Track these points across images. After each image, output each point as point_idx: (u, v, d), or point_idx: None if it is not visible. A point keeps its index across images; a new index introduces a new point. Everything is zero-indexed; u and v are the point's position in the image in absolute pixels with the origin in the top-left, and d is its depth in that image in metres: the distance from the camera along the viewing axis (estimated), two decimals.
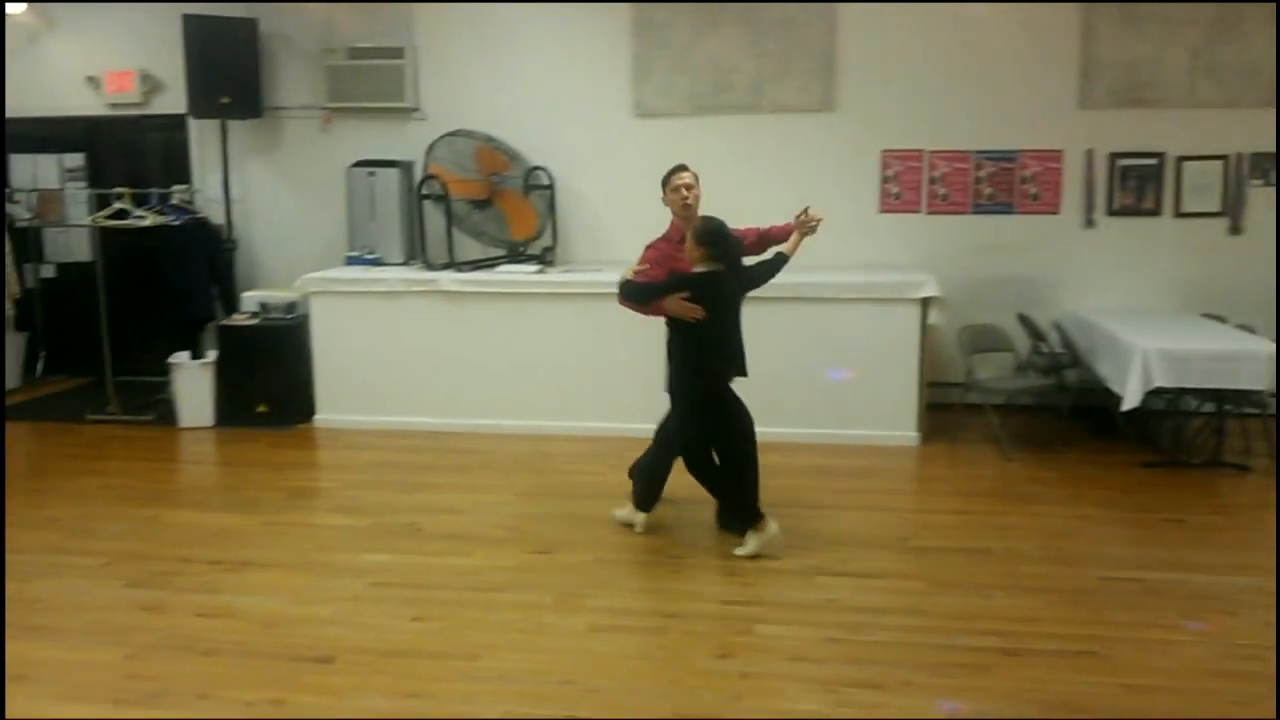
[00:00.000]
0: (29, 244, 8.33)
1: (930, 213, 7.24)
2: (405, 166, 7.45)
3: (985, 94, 7.09)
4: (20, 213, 8.21)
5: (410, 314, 6.84)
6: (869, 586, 4.35)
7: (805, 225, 4.83)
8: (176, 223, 7.38)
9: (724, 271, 4.54)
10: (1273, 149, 6.88)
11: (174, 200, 7.60)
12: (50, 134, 8.41)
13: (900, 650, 3.76)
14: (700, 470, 4.73)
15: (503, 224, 7.23)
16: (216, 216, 7.81)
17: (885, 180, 7.26)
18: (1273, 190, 6.93)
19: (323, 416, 7.02)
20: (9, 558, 4.73)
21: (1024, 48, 7.03)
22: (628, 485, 5.11)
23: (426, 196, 7.01)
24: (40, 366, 8.57)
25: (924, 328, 6.37)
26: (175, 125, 8.08)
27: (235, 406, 7.06)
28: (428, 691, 3.49)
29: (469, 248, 7.18)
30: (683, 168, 4.88)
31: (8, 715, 2.41)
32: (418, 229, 7.23)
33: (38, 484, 5.98)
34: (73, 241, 8.38)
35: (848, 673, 3.59)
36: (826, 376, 6.42)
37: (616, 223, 7.41)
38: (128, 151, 8.43)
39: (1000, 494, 5.59)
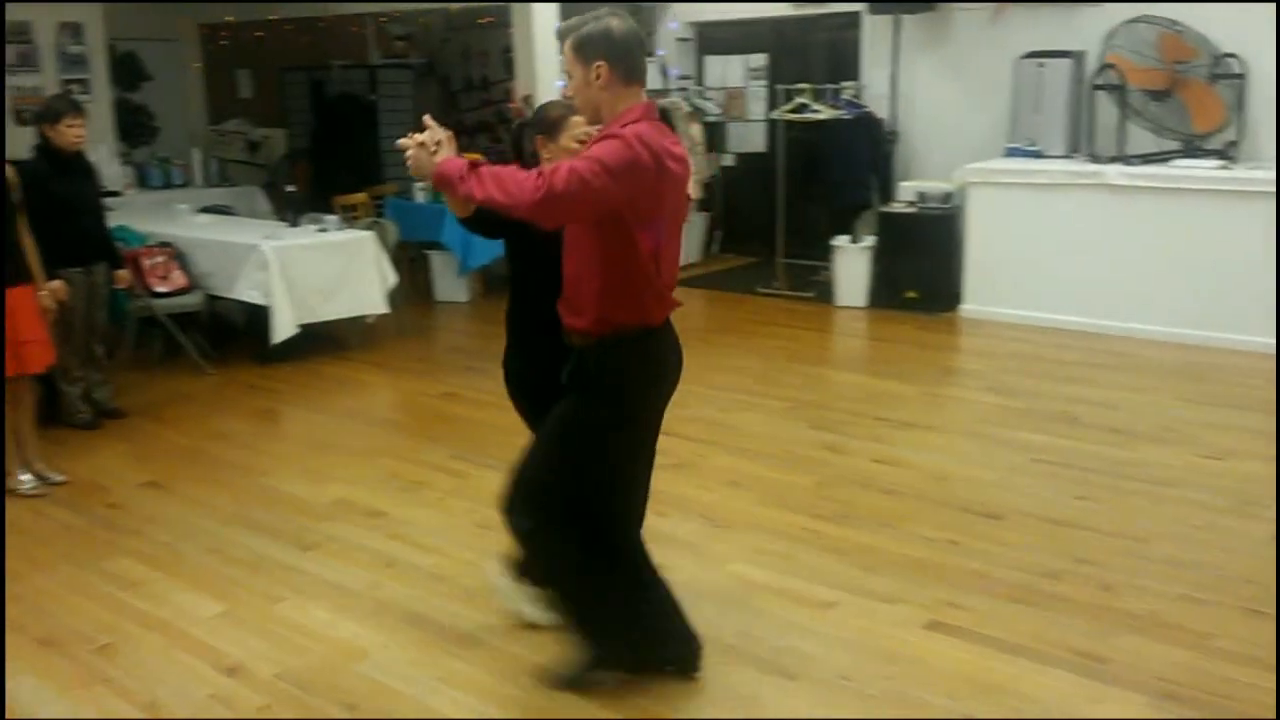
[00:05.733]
0: (715, 136, 9.50)
1: None
2: (1077, 57, 7.22)
3: None
4: (710, 109, 9.41)
5: (1069, 208, 6.73)
6: None
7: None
8: (848, 116, 7.96)
9: None
10: None
11: (844, 95, 8.19)
12: (738, 37, 9.45)
13: None
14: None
15: (1183, 116, 6.75)
16: (880, 110, 8.26)
17: None
18: None
19: (968, 306, 7.23)
20: (707, 393, 5.64)
21: None
22: None
23: (1100, 87, 6.77)
24: (715, 245, 9.82)
25: None
26: (849, 23, 8.63)
27: (887, 290, 7.53)
28: (1095, 560, 3.60)
29: (1138, 141, 6.82)
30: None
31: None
32: (1085, 121, 7.03)
33: (721, 339, 6.98)
34: (750, 134, 9.41)
35: None
36: None
37: None
38: (801, 50, 9.20)
39: None
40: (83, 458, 4.78)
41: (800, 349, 6.59)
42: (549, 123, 2.94)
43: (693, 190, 2.83)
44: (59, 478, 4.49)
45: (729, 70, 9.56)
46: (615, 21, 2.62)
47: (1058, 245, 6.79)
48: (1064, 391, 5.50)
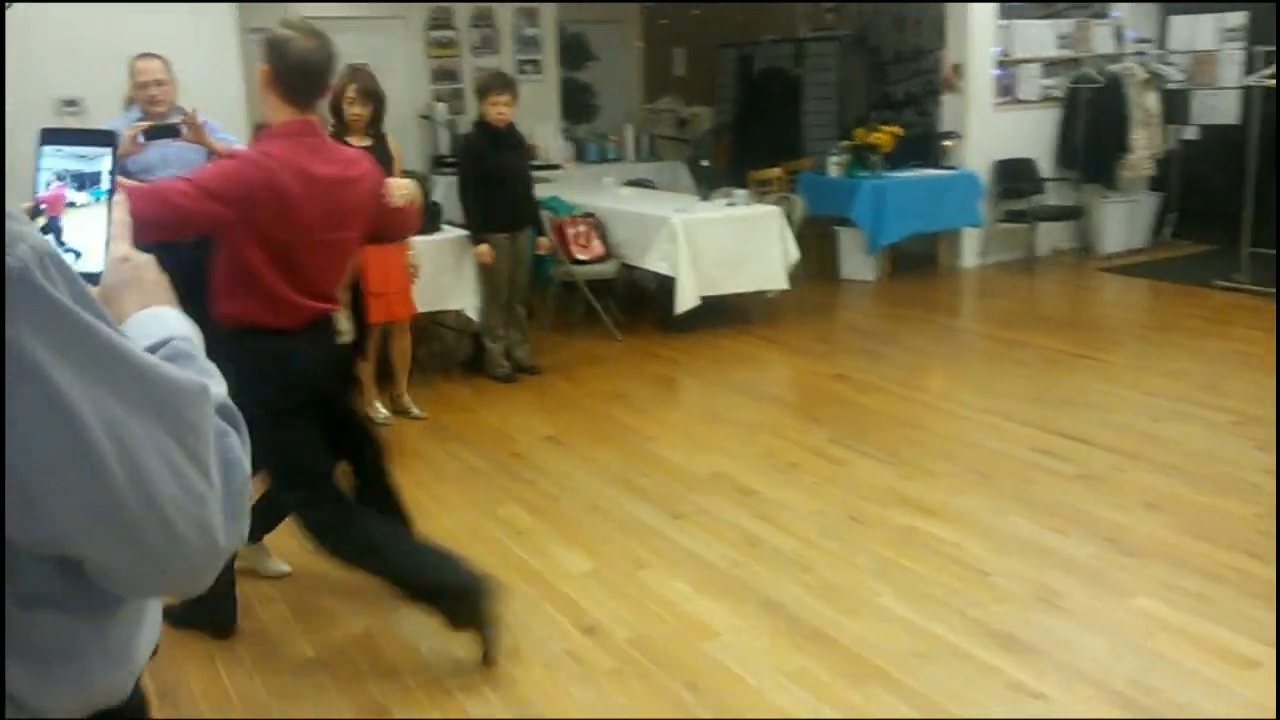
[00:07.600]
0: (1176, 106, 8.40)
1: None
2: None
3: None
4: (1173, 74, 8.33)
5: None
6: None
7: None
8: None
9: None
10: None
11: None
12: None
13: None
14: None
15: None
16: None
17: None
18: None
19: None
20: (1137, 398, 4.98)
21: None
22: None
23: None
24: (1168, 229, 8.70)
25: None
26: None
27: None
28: None
29: None
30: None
31: None
32: None
33: (1161, 337, 6.17)
34: (1220, 103, 8.21)
35: None
36: None
37: None
38: None
39: None
40: (497, 407, 5.20)
41: (1259, 355, 5.63)
42: None
43: (400, 198, 2.88)
44: (419, 412, 5.05)
45: (1198, 30, 8.40)
46: (301, 43, 2.57)
47: None
48: None
